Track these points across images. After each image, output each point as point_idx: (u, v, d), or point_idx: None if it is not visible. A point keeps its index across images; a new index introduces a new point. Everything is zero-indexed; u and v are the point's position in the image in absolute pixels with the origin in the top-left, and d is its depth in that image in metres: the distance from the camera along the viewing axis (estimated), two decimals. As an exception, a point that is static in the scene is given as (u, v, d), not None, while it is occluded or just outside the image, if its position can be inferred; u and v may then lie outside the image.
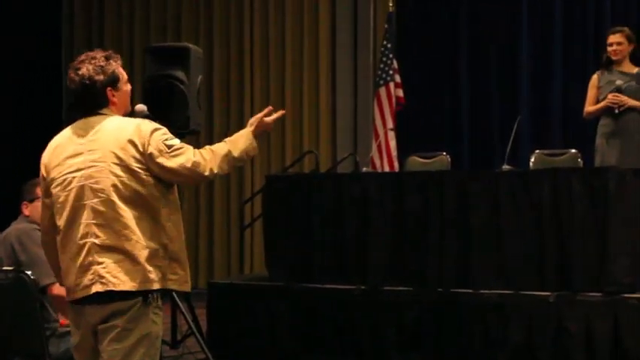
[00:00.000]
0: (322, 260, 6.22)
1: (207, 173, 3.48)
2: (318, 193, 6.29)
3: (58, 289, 4.35)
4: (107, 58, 3.52)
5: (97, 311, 3.38)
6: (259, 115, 3.74)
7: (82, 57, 3.53)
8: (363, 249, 6.09)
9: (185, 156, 3.46)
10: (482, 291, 5.69)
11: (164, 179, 3.45)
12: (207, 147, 3.57)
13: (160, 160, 3.41)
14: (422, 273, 5.91)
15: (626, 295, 5.37)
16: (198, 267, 10.36)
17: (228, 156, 3.54)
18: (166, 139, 3.46)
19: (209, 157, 3.50)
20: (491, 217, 5.75)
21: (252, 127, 3.68)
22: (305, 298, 6.14)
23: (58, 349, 4.57)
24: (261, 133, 3.72)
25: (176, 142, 3.49)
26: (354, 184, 6.22)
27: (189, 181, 3.64)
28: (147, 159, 3.40)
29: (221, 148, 3.56)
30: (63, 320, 4.65)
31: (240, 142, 3.61)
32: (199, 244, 10.46)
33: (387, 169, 9.02)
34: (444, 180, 5.96)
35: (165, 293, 3.53)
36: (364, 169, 7.85)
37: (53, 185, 3.48)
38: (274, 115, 3.79)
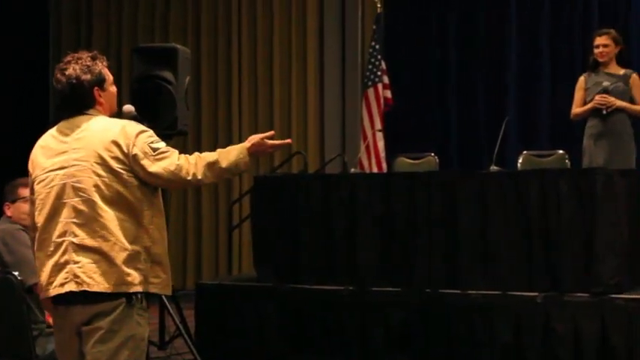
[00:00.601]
0: (310, 261, 6.22)
1: (189, 178, 3.45)
2: (306, 194, 6.28)
3: None
4: (93, 59, 3.52)
5: (81, 312, 3.37)
6: (261, 135, 3.65)
7: (68, 58, 3.52)
8: (351, 250, 6.09)
9: (170, 159, 3.44)
10: (469, 291, 5.70)
11: (148, 182, 3.44)
12: (197, 153, 3.54)
13: (144, 162, 3.39)
14: (410, 274, 5.92)
15: (613, 296, 5.39)
16: (186, 268, 10.35)
17: (215, 165, 3.49)
18: (152, 142, 3.44)
19: (194, 163, 3.47)
20: (479, 217, 5.76)
21: (249, 144, 3.60)
22: (293, 299, 6.14)
23: (45, 351, 4.55)
24: (257, 153, 3.63)
25: (161, 145, 3.47)
26: (342, 184, 6.22)
27: (173, 184, 3.57)
28: (131, 160, 3.39)
29: (210, 156, 3.52)
30: (49, 317, 4.63)
31: (231, 154, 3.55)
32: (187, 245, 10.44)
33: (375, 169, 9.03)
34: (432, 181, 5.97)
35: (150, 295, 3.52)
36: (352, 169, 7.84)
37: (36, 182, 3.49)
38: (277, 142, 3.70)
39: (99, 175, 3.37)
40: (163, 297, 5.52)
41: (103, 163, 3.38)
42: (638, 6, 9.30)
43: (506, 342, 5.54)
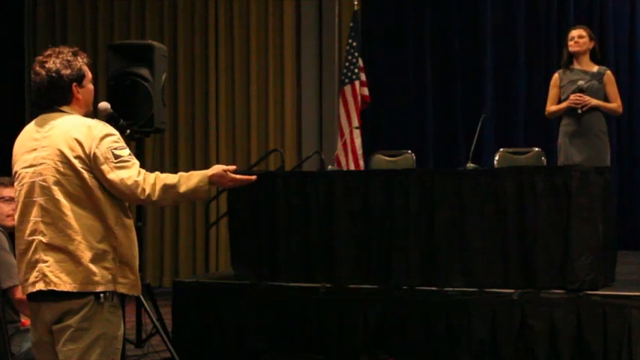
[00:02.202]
0: (288, 258, 6.22)
1: (143, 197, 3.39)
2: (284, 191, 6.28)
3: (20, 293, 4.31)
4: (74, 54, 3.50)
5: (50, 310, 3.37)
6: (224, 167, 3.56)
7: (49, 51, 3.50)
8: (329, 247, 6.10)
9: (129, 171, 3.37)
10: (446, 288, 5.72)
11: (104, 186, 3.40)
12: (157, 173, 3.47)
13: (104, 167, 3.35)
14: (387, 271, 5.93)
15: (588, 292, 5.42)
16: (163, 265, 10.32)
17: (172, 189, 3.42)
18: (115, 148, 3.39)
19: (152, 182, 3.40)
20: (455, 215, 5.78)
21: (211, 172, 3.52)
22: (270, 296, 6.13)
23: (20, 348, 4.53)
24: (216, 183, 3.56)
25: (125, 152, 3.41)
26: (319, 182, 6.22)
27: (125, 197, 3.45)
28: (91, 161, 3.35)
29: (170, 178, 3.45)
30: (25, 321, 4.60)
31: (192, 180, 3.46)
32: (165, 243, 10.41)
33: (352, 167, 9.05)
34: (409, 178, 5.98)
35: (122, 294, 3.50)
36: (329, 167, 7.85)
37: (15, 179, 3.50)
38: (239, 177, 3.58)
39: (62, 174, 3.36)
40: (140, 295, 5.51)
41: (67, 161, 3.35)
42: (613, 4, 9.38)
43: (482, 338, 5.57)
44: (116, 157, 3.37)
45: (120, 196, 3.43)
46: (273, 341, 6.07)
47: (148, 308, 5.76)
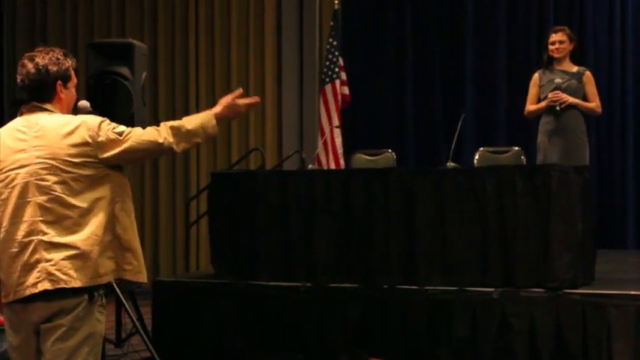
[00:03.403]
0: (268, 257, 6.21)
1: (161, 141, 3.46)
2: (264, 191, 6.27)
3: None
4: (65, 55, 3.54)
5: (42, 309, 3.32)
6: (230, 95, 3.65)
7: (40, 48, 3.52)
8: (309, 246, 6.10)
9: (137, 133, 3.46)
10: (427, 287, 5.73)
11: (123, 162, 3.47)
12: (163, 122, 3.56)
13: (114, 146, 3.41)
14: (367, 270, 5.94)
15: (567, 291, 5.45)
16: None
17: (180, 128, 3.51)
18: (114, 128, 3.46)
19: (162, 129, 3.49)
20: (436, 213, 5.79)
21: (218, 108, 3.62)
22: (250, 296, 6.13)
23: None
24: (227, 116, 3.67)
25: (123, 128, 3.49)
26: (299, 181, 6.22)
27: (148, 154, 3.56)
28: (98, 151, 3.38)
29: (174, 122, 3.54)
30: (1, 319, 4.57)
31: (197, 118, 3.58)
32: (144, 242, 10.34)
33: (332, 166, 9.05)
34: (390, 177, 5.99)
35: (108, 292, 3.49)
36: (310, 166, 7.85)
37: None
38: (248, 100, 3.70)
39: (64, 172, 3.35)
40: (119, 293, 5.49)
41: (67, 159, 3.36)
42: (593, 3, 9.43)
43: (462, 337, 5.58)
44: (120, 134, 3.44)
45: (143, 157, 3.59)
46: (253, 340, 6.06)
47: (128, 307, 5.74)
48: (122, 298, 5.57)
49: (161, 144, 3.47)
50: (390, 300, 5.81)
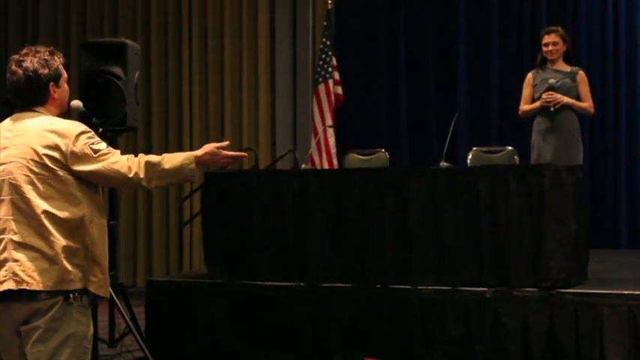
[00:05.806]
0: (261, 257, 6.20)
1: (131, 175, 3.40)
2: (258, 190, 6.27)
3: None
4: (51, 54, 3.50)
5: (19, 310, 3.33)
6: (216, 144, 3.61)
7: (25, 50, 3.49)
8: (303, 246, 6.09)
9: (112, 158, 3.41)
10: (420, 287, 5.73)
11: (90, 180, 3.41)
12: (142, 154, 3.51)
13: (84, 163, 3.36)
14: (361, 270, 5.93)
15: (560, 290, 5.46)
16: (136, 264, 10.26)
17: (157, 166, 3.45)
18: (92, 143, 3.41)
19: (137, 161, 3.44)
20: (429, 213, 5.80)
21: (201, 152, 3.56)
22: (244, 296, 6.12)
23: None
24: (208, 162, 3.60)
25: (102, 146, 3.43)
26: (293, 180, 6.22)
27: (115, 182, 3.51)
28: (69, 160, 3.35)
29: (152, 157, 3.49)
30: None
31: (177, 159, 3.51)
32: (138, 241, 10.35)
33: (326, 165, 9.05)
34: (383, 177, 5.99)
35: (93, 296, 3.48)
36: (303, 165, 7.85)
37: None
38: (232, 153, 3.65)
39: (34, 173, 3.34)
40: (112, 293, 5.48)
41: (39, 160, 3.34)
42: (586, 3, 9.44)
43: (456, 336, 5.58)
44: (95, 151, 3.39)
45: (109, 183, 3.52)
46: (246, 340, 6.05)
47: (121, 307, 5.74)
48: (115, 298, 5.58)
49: (130, 178, 3.42)
50: (383, 300, 5.81)
